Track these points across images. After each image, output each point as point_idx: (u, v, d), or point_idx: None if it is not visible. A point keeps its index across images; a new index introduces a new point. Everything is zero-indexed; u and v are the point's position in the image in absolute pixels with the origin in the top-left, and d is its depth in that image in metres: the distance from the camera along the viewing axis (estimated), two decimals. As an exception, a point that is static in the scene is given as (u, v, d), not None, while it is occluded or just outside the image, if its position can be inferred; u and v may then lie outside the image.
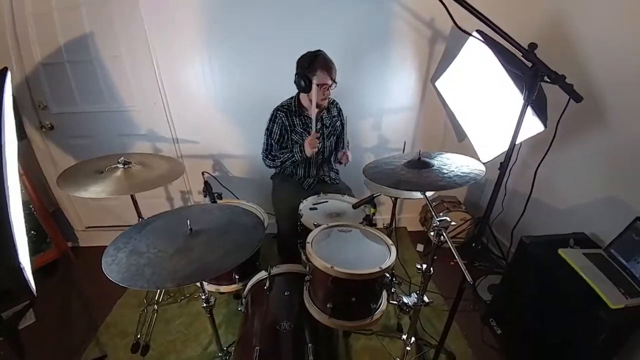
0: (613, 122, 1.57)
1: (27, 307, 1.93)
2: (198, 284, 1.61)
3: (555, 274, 1.41)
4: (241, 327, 1.43)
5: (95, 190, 1.39)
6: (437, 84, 2.11)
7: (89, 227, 2.51)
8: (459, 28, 0.95)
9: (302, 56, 1.72)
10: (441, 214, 2.40)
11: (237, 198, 2.07)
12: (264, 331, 1.27)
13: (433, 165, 1.21)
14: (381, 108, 2.30)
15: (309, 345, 1.19)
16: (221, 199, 1.92)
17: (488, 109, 1.82)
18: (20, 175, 1.93)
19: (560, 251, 1.43)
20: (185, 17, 1.92)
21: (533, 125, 1.54)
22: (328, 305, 1.18)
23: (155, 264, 1.01)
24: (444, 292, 2.12)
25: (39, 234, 2.12)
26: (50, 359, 1.70)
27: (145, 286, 0.95)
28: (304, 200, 1.78)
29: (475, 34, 1.66)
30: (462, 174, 1.14)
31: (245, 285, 1.59)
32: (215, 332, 1.44)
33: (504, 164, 1.10)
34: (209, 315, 1.39)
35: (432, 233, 1.14)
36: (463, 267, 1.02)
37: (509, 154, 1.09)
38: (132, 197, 1.67)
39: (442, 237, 1.13)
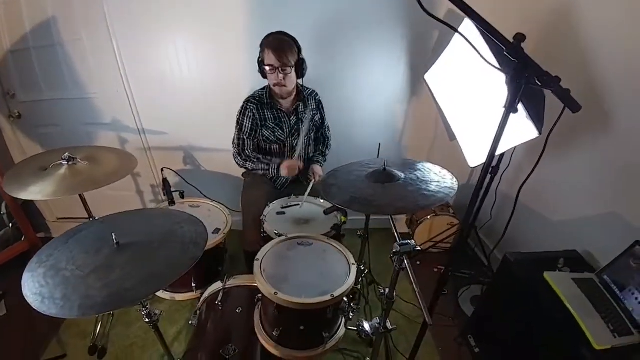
0: (620, 131, 1.37)
1: (-1, 298, 1.88)
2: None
3: (540, 299, 1.25)
4: (189, 342, 1.33)
5: (33, 191, 1.26)
6: (426, 77, 1.90)
7: (60, 218, 2.42)
8: (429, 14, 0.74)
9: (264, 36, 1.55)
10: (428, 217, 2.34)
11: (204, 196, 1.92)
12: (208, 355, 1.16)
13: (399, 179, 1.04)
14: (365, 101, 2.11)
15: (250, 375, 1.08)
16: (183, 197, 1.78)
17: (478, 108, 1.61)
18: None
19: (547, 275, 1.27)
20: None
21: (527, 130, 1.35)
22: (274, 332, 1.06)
23: (68, 284, 0.89)
24: (426, 301, 1.98)
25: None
26: (15, 353, 1.66)
27: (53, 312, 0.83)
28: (271, 204, 1.64)
29: (467, 21, 1.45)
30: (428, 193, 0.97)
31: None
32: (165, 346, 1.33)
33: (484, 171, 0.93)
34: (153, 330, 1.28)
35: (391, 256, 0.98)
36: (424, 307, 0.88)
37: (489, 162, 0.93)
38: (81, 195, 1.53)
39: (403, 263, 0.98)
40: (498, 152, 1.56)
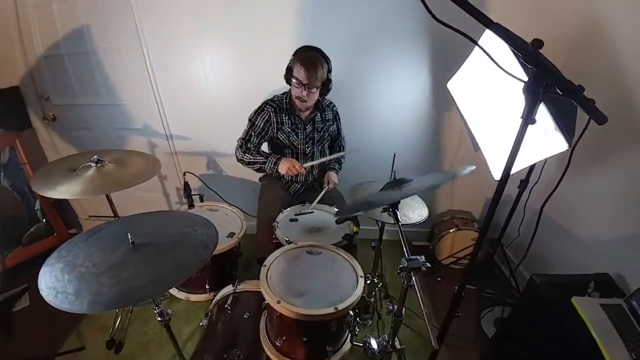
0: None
1: (24, 290, 2.01)
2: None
3: (565, 323, 1.15)
4: (198, 344, 1.34)
5: (61, 191, 1.34)
6: (449, 85, 1.83)
7: (92, 216, 2.57)
8: (440, 21, 0.71)
9: (303, 46, 1.58)
10: (451, 231, 2.23)
11: (224, 200, 1.97)
12: (214, 358, 1.16)
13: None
14: (386, 108, 2.08)
15: (252, 382, 1.07)
16: (202, 201, 1.83)
17: (503, 117, 1.53)
18: (24, 164, 1.98)
19: (574, 300, 1.17)
20: (180, 8, 1.82)
21: (556, 142, 1.25)
22: (278, 341, 1.04)
23: (82, 280, 0.93)
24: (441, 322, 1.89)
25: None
26: (35, 343, 1.75)
27: (65, 307, 0.87)
28: (285, 210, 1.64)
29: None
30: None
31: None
32: (176, 345, 1.36)
33: (500, 184, 0.87)
34: (165, 329, 1.32)
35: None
36: (429, 330, 0.82)
37: (505, 174, 0.87)
38: (107, 195, 1.62)
39: (412, 280, 0.93)
40: (525, 165, 1.47)
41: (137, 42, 1.89)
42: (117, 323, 1.77)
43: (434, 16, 0.70)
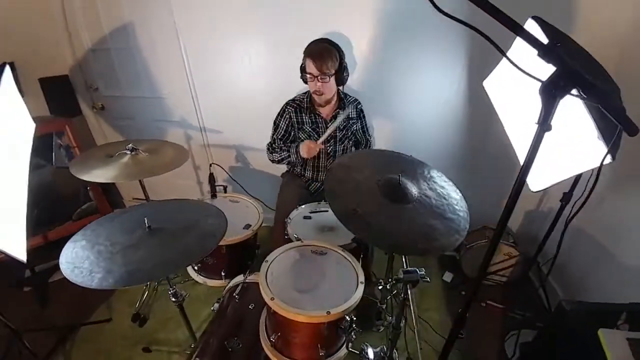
0: None
1: (60, 263, 2.27)
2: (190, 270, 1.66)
3: (589, 355, 1.02)
4: (207, 327, 1.41)
5: (96, 174, 1.48)
6: (485, 84, 1.68)
7: (135, 198, 2.81)
8: (444, 13, 0.64)
9: (308, 43, 1.58)
10: (482, 242, 2.07)
11: (247, 192, 2.03)
12: (214, 344, 1.21)
13: (412, 200, 0.93)
14: (415, 106, 1.99)
15: (249, 374, 1.09)
16: (226, 192, 1.90)
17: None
18: (73, 147, 2.21)
19: (601, 332, 1.02)
20: (216, 5, 1.88)
21: (599, 152, 1.09)
22: (273, 337, 1.05)
23: (98, 257, 1.02)
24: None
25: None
26: (66, 313, 1.92)
27: (78, 281, 0.95)
28: (301, 207, 1.64)
29: (530, 21, 1.25)
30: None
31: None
32: (188, 324, 1.45)
33: (513, 193, 0.78)
34: (179, 310, 1.40)
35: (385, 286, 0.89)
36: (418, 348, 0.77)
37: (517, 189, 0.78)
38: (140, 181, 1.76)
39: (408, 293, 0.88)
40: (564, 177, 1.32)
41: (175, 40, 2.00)
42: (144, 298, 1.92)
43: (435, 5, 0.64)
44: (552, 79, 0.62)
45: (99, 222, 1.20)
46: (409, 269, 0.85)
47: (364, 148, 1.89)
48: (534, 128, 1.35)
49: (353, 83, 1.93)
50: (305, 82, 1.63)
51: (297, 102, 1.71)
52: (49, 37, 2.13)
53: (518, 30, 0.60)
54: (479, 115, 1.94)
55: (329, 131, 1.59)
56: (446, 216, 0.90)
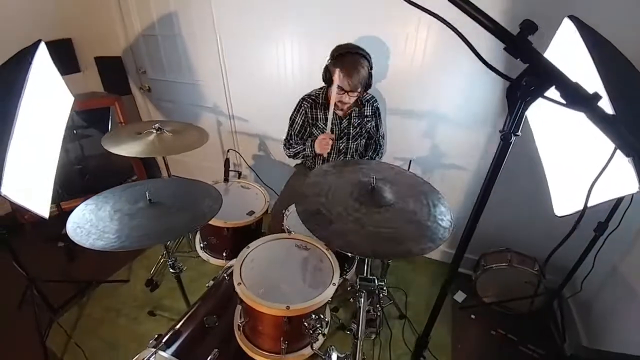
0: None
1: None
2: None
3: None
4: (197, 300, 1.48)
5: (124, 148, 1.64)
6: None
7: (172, 175, 3.05)
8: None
9: (339, 45, 1.52)
10: (502, 265, 1.88)
11: (260, 179, 2.10)
12: (195, 319, 1.27)
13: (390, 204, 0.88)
14: (437, 110, 1.86)
15: (215, 350, 1.12)
16: (239, 177, 1.98)
17: (577, 140, 1.18)
18: (120, 123, 2.47)
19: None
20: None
21: (627, 179, 0.91)
22: (241, 321, 1.08)
23: (99, 221, 1.12)
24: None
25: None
26: (91, 270, 2.10)
27: (76, 239, 1.04)
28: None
29: (566, 21, 1.09)
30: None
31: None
32: (184, 294, 1.56)
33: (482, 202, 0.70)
34: (176, 281, 1.51)
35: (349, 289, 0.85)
36: None
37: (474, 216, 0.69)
38: (164, 158, 1.90)
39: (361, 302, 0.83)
40: (591, 204, 1.15)
41: (212, 31, 2.11)
42: (159, 266, 2.09)
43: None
44: (519, 78, 0.53)
45: (113, 191, 1.32)
46: (367, 276, 0.81)
47: (374, 147, 1.83)
48: (570, 142, 1.18)
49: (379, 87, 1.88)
50: (328, 83, 1.58)
51: (313, 97, 1.70)
52: (104, 18, 2.37)
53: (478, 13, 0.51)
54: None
55: (329, 116, 1.53)
56: (423, 223, 0.84)
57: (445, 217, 0.88)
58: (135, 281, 2.07)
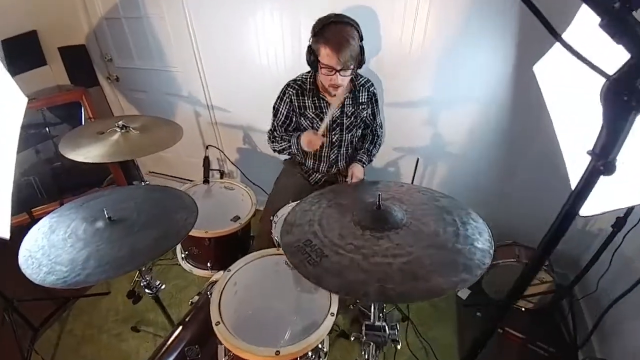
0: None
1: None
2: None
3: None
4: (181, 320, 1.34)
5: (81, 153, 1.41)
6: (535, 69, 1.31)
7: (151, 171, 2.83)
8: None
9: (319, 18, 1.28)
10: (510, 261, 1.75)
11: (247, 178, 1.91)
12: (174, 349, 1.11)
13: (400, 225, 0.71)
14: (445, 95, 1.67)
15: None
16: (222, 177, 1.79)
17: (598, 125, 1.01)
18: (89, 119, 2.22)
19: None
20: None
21: None
22: (226, 357, 0.93)
23: (51, 248, 0.95)
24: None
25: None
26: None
27: (28, 273, 0.89)
28: (293, 203, 1.46)
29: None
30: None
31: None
32: (165, 312, 1.42)
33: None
34: (155, 301, 1.35)
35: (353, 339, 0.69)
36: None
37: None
38: (134, 160, 1.69)
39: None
40: (620, 206, 1.01)
41: (181, 9, 1.85)
42: (140, 277, 1.92)
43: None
44: (621, 74, 0.35)
45: (68, 206, 1.13)
46: (375, 324, 0.64)
47: (372, 137, 1.64)
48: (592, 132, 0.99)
49: (371, 66, 1.66)
50: (314, 68, 1.35)
51: (299, 82, 1.48)
52: (67, 3, 2.09)
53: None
54: (523, 112, 1.58)
55: (327, 119, 1.36)
56: (448, 247, 0.67)
57: (482, 235, 0.71)
58: (115, 293, 1.91)
